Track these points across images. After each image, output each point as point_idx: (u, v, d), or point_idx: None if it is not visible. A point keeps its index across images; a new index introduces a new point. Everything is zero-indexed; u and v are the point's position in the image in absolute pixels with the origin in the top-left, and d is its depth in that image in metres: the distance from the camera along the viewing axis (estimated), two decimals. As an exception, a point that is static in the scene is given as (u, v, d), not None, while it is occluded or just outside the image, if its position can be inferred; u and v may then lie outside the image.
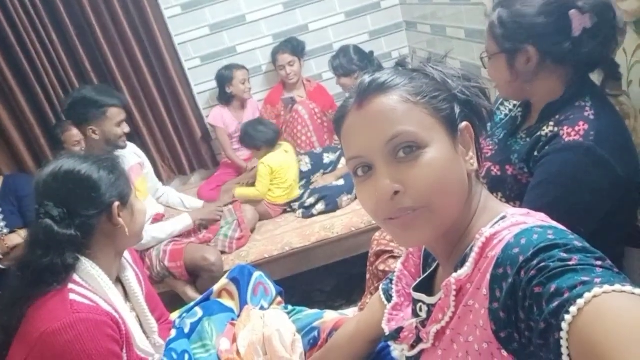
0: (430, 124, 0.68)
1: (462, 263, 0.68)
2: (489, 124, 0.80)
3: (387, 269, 1.58)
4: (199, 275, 2.20)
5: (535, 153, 1.13)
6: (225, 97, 3.13)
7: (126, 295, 1.21)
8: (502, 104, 1.40)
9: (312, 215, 2.50)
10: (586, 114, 1.07)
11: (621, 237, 1.15)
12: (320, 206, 2.51)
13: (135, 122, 3.13)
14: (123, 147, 2.20)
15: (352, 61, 2.81)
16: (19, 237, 1.94)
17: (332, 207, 2.50)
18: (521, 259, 0.57)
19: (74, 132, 2.80)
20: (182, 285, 2.20)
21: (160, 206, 2.48)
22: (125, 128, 2.20)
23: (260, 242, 2.38)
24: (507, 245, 0.60)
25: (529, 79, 1.17)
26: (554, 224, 0.65)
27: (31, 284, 1.00)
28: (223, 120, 3.11)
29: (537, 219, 0.67)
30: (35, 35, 2.87)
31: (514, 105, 1.34)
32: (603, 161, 1.03)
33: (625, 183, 1.06)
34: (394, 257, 1.59)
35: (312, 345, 1.27)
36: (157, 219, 2.38)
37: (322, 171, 2.76)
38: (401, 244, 0.80)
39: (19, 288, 1.01)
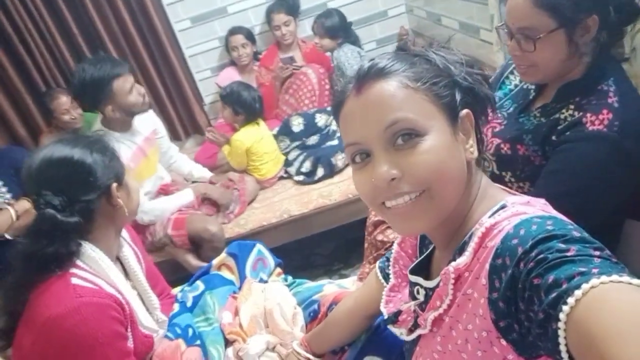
0: (430, 111, 0.67)
1: (460, 251, 0.69)
2: (489, 112, 0.78)
3: (385, 239, 1.59)
4: (200, 245, 2.21)
5: (553, 137, 1.09)
6: (231, 60, 3.12)
7: (126, 273, 1.22)
8: (511, 72, 1.35)
9: (315, 182, 2.47)
10: (610, 100, 1.03)
11: (622, 208, 1.14)
12: (320, 171, 2.48)
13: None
14: (147, 110, 2.12)
15: (335, 24, 2.84)
16: (28, 203, 1.86)
17: (329, 169, 2.47)
18: (520, 250, 0.57)
19: (63, 100, 2.76)
20: (183, 253, 2.22)
21: (167, 175, 2.41)
22: (140, 90, 2.06)
23: (259, 210, 2.39)
24: (506, 236, 0.61)
25: (580, 55, 1.05)
26: (555, 213, 0.65)
27: (35, 271, 1.00)
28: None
29: (538, 208, 0.66)
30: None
31: None
32: (626, 155, 1.00)
33: None
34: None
35: (312, 317, 1.29)
36: (165, 188, 2.34)
37: (318, 134, 2.69)
38: (399, 232, 0.80)
39: (22, 275, 1.01)
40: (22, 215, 1.86)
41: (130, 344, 1.08)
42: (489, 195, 0.72)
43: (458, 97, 0.70)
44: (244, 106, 2.48)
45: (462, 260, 0.66)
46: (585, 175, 1.03)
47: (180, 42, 3.13)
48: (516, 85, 1.30)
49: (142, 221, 2.15)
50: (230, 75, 3.06)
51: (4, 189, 2.11)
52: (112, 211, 1.12)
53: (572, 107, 1.09)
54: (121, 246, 1.23)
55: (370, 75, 0.68)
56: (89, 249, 1.07)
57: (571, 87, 1.10)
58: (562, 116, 1.09)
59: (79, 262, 1.05)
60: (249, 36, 3.05)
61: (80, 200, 1.05)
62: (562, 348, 0.49)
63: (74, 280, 1.01)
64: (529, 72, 1.12)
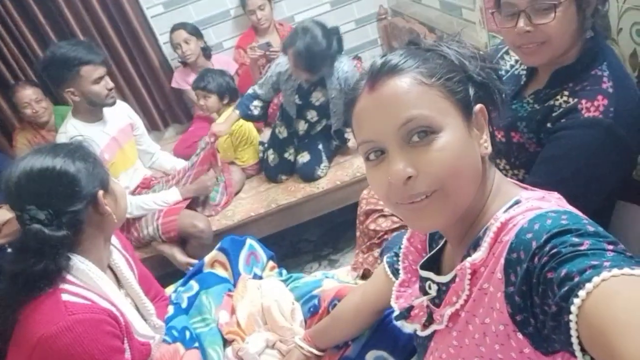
0: (444, 107, 0.66)
1: (475, 246, 0.69)
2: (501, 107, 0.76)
3: (377, 228, 1.58)
4: (187, 241, 2.17)
5: (548, 124, 1.08)
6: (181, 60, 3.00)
7: (118, 281, 1.18)
8: (502, 57, 1.33)
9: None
10: (604, 86, 1.03)
11: (615, 191, 1.15)
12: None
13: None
14: (111, 105, 2.06)
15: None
16: (8, 213, 1.76)
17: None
18: (534, 245, 0.57)
19: (25, 93, 2.69)
20: (169, 248, 2.17)
21: (147, 170, 2.37)
22: (108, 84, 2.02)
23: (246, 201, 2.35)
24: (521, 230, 0.61)
25: (584, 29, 1.04)
26: (570, 208, 0.65)
27: (23, 290, 0.96)
28: (188, 82, 2.94)
29: (553, 202, 0.66)
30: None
31: (516, 61, 1.26)
32: (621, 141, 1.01)
33: (635, 153, 1.05)
34: (384, 216, 1.59)
35: (312, 313, 1.28)
36: (145, 183, 2.29)
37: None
38: (415, 229, 0.79)
39: (10, 294, 0.96)
40: (2, 226, 1.77)
41: (127, 355, 1.05)
42: (503, 191, 0.72)
43: (472, 92, 0.69)
44: (230, 90, 2.49)
45: (478, 256, 0.66)
46: (582, 161, 1.03)
47: (153, 28, 3.02)
48: (507, 71, 1.28)
49: (130, 215, 2.11)
50: (182, 77, 2.97)
51: None
52: (101, 220, 1.08)
53: (566, 93, 1.08)
54: (111, 253, 1.18)
55: (383, 71, 0.67)
56: (79, 262, 1.03)
57: (565, 72, 1.09)
58: (557, 103, 1.09)
59: (69, 277, 1.01)
60: (194, 31, 2.90)
61: (66, 212, 0.99)
62: (574, 340, 0.50)
63: (65, 297, 0.97)
64: (538, 52, 1.07)
